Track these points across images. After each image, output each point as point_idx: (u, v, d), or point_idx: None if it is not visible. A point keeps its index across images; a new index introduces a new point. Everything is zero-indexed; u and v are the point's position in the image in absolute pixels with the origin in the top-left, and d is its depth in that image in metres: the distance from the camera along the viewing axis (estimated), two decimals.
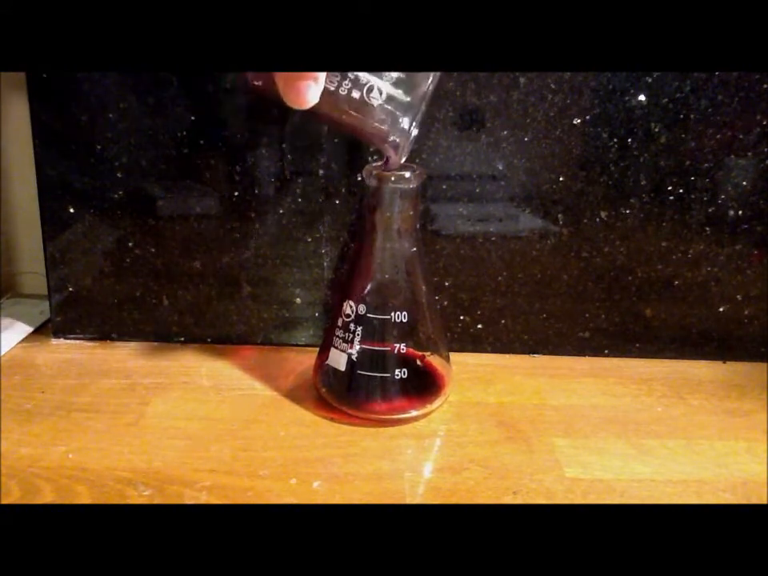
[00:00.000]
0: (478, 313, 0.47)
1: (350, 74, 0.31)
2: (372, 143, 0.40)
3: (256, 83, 0.32)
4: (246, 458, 0.35)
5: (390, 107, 0.32)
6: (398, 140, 0.33)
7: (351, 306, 0.38)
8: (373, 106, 0.32)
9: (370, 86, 0.31)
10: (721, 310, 0.46)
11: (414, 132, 0.33)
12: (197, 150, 0.43)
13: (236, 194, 0.44)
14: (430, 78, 0.32)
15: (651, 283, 0.45)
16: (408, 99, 0.32)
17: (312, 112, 0.31)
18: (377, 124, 0.32)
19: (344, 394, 0.39)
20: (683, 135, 0.42)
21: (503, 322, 0.47)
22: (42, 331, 0.49)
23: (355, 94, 0.31)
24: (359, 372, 0.38)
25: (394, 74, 0.32)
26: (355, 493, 0.32)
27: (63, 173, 0.44)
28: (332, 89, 0.31)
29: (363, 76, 0.31)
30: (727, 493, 0.33)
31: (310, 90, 0.29)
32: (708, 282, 0.45)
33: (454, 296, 0.46)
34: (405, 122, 0.33)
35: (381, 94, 0.32)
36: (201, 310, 0.47)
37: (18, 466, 0.33)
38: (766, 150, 0.42)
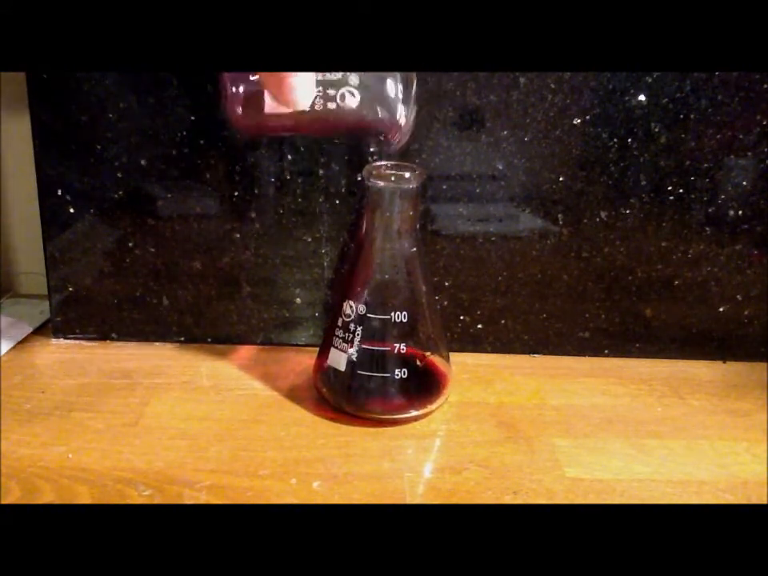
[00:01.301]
0: (478, 313, 0.47)
1: (316, 90, 0.31)
2: (370, 138, 0.40)
3: (240, 119, 0.33)
4: (246, 458, 0.35)
5: (368, 101, 0.32)
6: (388, 125, 0.34)
7: (351, 306, 0.38)
8: (352, 108, 0.32)
9: (342, 93, 0.32)
10: (721, 310, 0.46)
11: (406, 112, 0.34)
12: (197, 150, 0.43)
13: (236, 193, 0.44)
14: None
15: (651, 283, 0.45)
16: (384, 86, 0.33)
17: (305, 131, 0.31)
18: (363, 121, 0.33)
19: (344, 394, 0.39)
20: (683, 135, 0.42)
21: (503, 322, 0.47)
22: (42, 331, 0.49)
23: (331, 106, 0.32)
24: (359, 372, 0.38)
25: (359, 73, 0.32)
26: (355, 493, 0.32)
27: (63, 173, 0.44)
28: (308, 109, 0.32)
29: (330, 88, 0.32)
30: (727, 493, 0.33)
31: (299, 87, 0.30)
32: (708, 281, 0.45)
33: (454, 296, 0.46)
34: (390, 108, 0.33)
35: (354, 95, 0.32)
36: (201, 310, 0.47)
37: (17, 466, 0.33)
38: (766, 149, 0.42)
